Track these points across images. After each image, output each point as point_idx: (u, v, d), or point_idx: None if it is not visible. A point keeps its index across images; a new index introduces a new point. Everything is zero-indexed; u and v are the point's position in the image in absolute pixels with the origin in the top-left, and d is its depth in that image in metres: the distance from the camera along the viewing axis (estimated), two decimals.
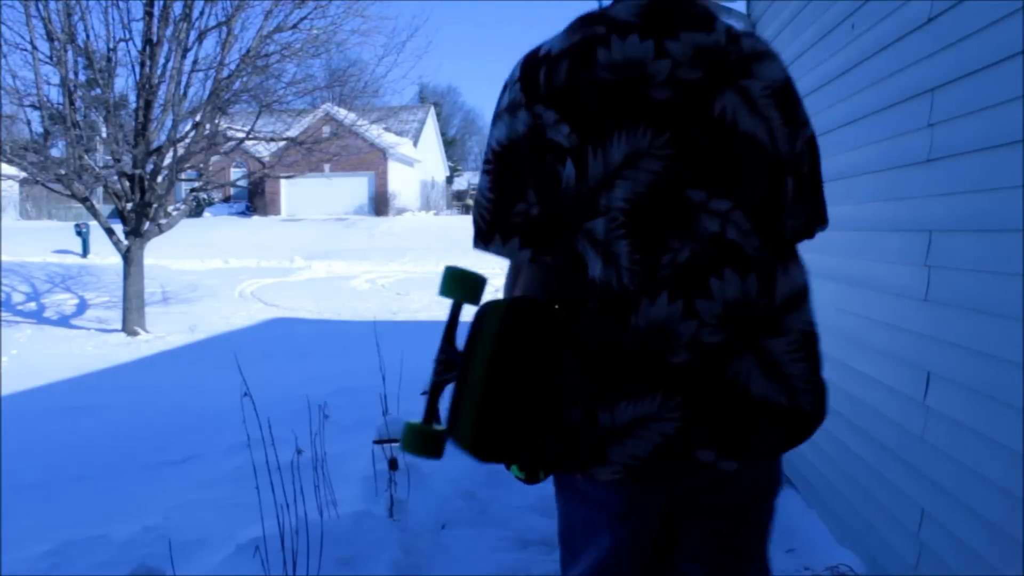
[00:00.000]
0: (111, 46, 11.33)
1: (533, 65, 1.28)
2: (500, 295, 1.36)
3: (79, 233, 23.35)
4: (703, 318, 1.24)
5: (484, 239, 1.33)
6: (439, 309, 13.82)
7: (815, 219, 1.41)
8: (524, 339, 1.25)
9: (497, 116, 1.32)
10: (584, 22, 1.30)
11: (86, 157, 11.38)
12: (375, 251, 25.12)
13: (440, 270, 1.37)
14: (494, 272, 2.06)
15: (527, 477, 1.34)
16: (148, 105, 11.49)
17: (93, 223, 16.49)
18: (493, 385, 1.25)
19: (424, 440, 1.35)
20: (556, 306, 1.28)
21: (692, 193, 1.25)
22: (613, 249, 1.24)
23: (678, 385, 1.25)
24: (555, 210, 1.27)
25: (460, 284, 1.35)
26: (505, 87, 1.32)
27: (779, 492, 1.44)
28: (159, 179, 11.83)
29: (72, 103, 11.09)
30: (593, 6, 1.35)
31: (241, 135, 12.78)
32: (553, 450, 1.27)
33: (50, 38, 11.03)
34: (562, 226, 1.27)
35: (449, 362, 1.34)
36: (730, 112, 1.27)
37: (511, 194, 1.29)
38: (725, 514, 1.36)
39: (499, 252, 1.32)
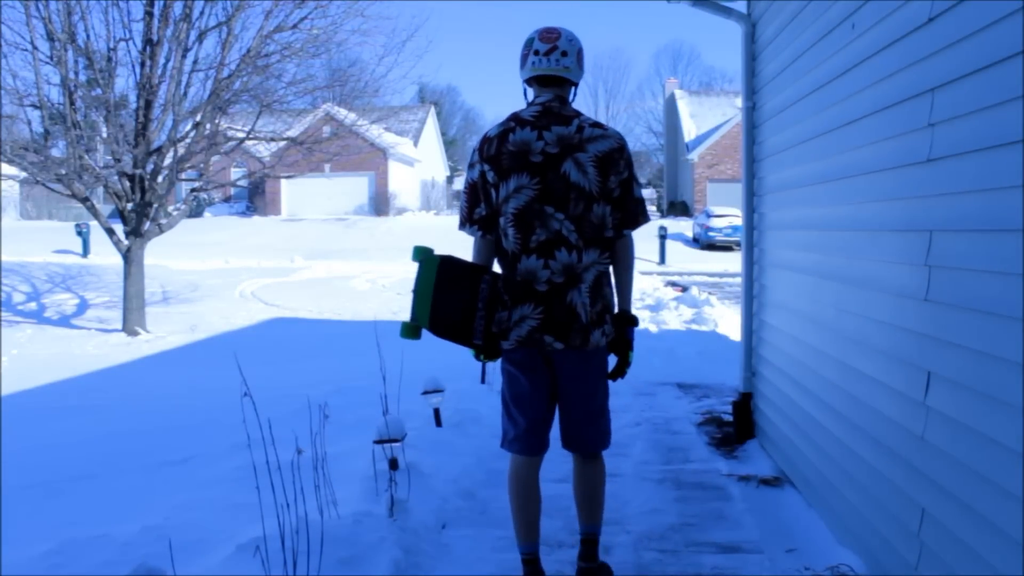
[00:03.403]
0: (111, 46, 11.34)
1: (484, 142, 2.70)
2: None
3: (79, 233, 23.36)
4: (553, 269, 2.60)
5: (462, 225, 2.77)
6: None
7: (627, 221, 2.70)
8: (450, 273, 2.62)
9: (469, 165, 2.75)
10: (508, 119, 2.68)
11: (86, 157, 11.37)
12: (375, 251, 25.11)
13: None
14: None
15: (484, 357, 2.71)
16: (148, 105, 11.49)
17: (93, 223, 16.51)
18: (437, 294, 2.60)
19: (409, 329, 2.64)
20: (483, 264, 2.69)
21: (546, 208, 2.61)
22: (508, 232, 2.65)
23: (541, 301, 2.61)
24: (492, 212, 2.68)
25: (420, 251, 2.70)
26: (473, 151, 2.74)
27: (597, 361, 2.70)
28: (159, 179, 11.83)
29: (72, 103, 11.08)
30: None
31: (241, 135, 12.77)
32: (492, 332, 2.63)
33: (50, 38, 11.03)
34: (495, 220, 2.69)
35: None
36: (568, 170, 2.61)
37: (473, 205, 2.72)
38: (569, 375, 2.69)
39: (469, 232, 2.75)
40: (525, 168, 2.59)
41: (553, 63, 2.62)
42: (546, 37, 2.64)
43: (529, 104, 2.71)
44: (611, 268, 2.72)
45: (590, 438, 2.75)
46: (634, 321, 2.73)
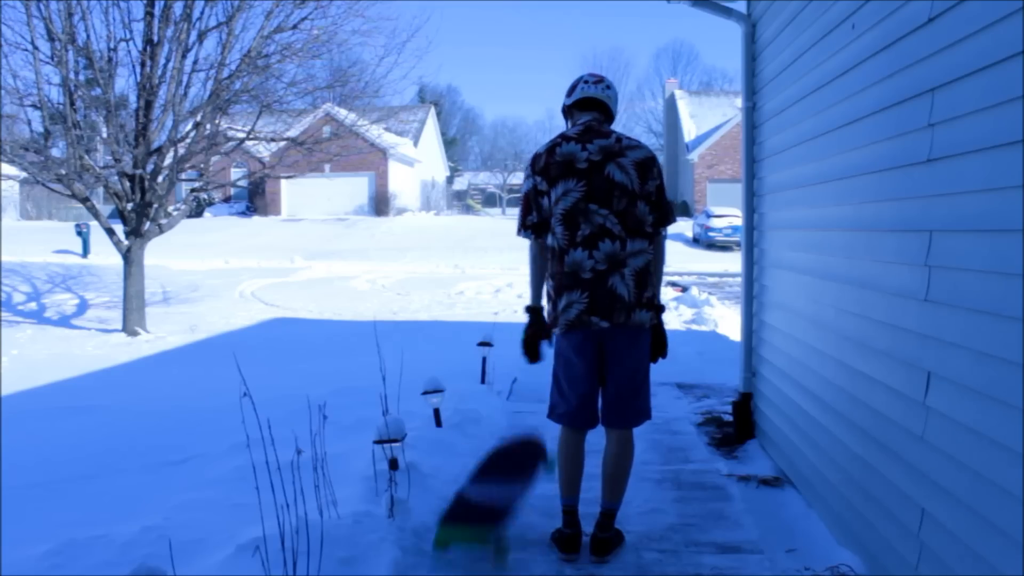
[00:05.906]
0: (112, 46, 11.31)
1: (534, 158, 3.17)
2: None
3: (79, 233, 23.35)
4: (596, 258, 3.01)
5: (519, 231, 3.22)
6: (439, 310, 13.82)
7: (661, 220, 3.13)
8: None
9: (526, 177, 3.20)
10: (556, 137, 3.16)
11: (87, 157, 11.36)
12: (375, 251, 25.12)
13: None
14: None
15: (533, 360, 3.22)
16: (149, 105, 11.48)
17: (94, 223, 16.50)
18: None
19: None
20: (541, 264, 3.19)
21: (591, 206, 3.03)
22: (556, 230, 3.08)
23: (586, 287, 3.02)
24: (543, 218, 3.13)
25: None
26: (526, 167, 3.21)
27: (641, 342, 3.10)
28: (160, 179, 11.82)
29: (73, 103, 11.07)
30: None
31: (242, 135, 12.75)
32: (547, 320, 3.16)
33: (51, 38, 11.01)
34: (546, 224, 3.13)
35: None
36: (612, 172, 3.05)
37: (527, 213, 3.18)
38: (615, 352, 3.07)
39: (524, 236, 3.19)
40: (572, 174, 3.05)
41: (600, 90, 3.20)
42: (593, 74, 3.27)
43: (572, 125, 3.23)
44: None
45: (630, 413, 3.14)
46: (662, 308, 3.19)
